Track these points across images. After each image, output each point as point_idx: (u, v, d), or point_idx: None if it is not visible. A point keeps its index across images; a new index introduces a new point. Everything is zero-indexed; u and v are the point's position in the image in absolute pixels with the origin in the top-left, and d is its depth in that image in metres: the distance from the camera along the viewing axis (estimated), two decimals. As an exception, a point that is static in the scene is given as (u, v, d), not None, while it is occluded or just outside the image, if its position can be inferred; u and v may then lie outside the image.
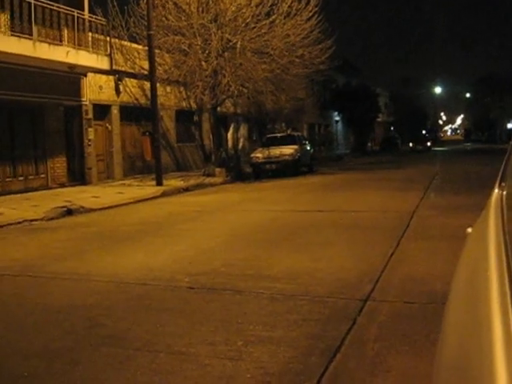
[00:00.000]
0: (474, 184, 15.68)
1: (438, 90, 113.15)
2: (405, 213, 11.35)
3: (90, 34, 20.18)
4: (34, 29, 17.40)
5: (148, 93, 22.52)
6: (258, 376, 3.79)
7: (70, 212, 13.93)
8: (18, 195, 17.63)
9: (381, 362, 3.94)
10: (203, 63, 22.52)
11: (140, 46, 23.25)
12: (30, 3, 17.15)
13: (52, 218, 13.17)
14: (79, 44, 19.50)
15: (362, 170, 28.41)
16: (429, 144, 60.55)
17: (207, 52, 22.56)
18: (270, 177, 24.44)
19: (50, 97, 20.00)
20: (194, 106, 25.91)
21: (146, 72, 22.09)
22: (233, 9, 22.34)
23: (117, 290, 6.31)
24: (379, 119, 63.29)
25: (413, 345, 4.21)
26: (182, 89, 25.98)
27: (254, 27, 22.50)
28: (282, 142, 26.52)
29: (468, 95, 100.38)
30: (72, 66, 19.79)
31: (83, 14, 19.87)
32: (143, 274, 6.90)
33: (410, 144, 60.18)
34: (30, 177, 19.57)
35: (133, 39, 23.04)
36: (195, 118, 27.20)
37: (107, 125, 23.97)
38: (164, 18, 22.37)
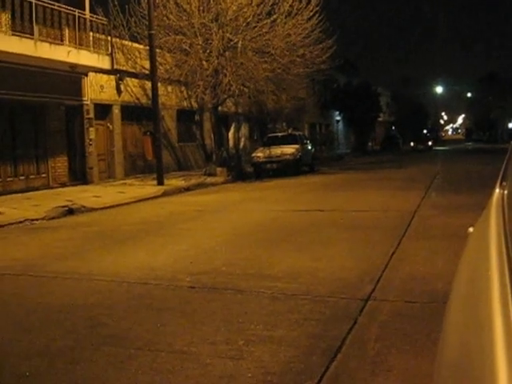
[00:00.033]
0: (475, 183, 15.67)
1: (439, 89, 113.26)
2: (406, 212, 11.35)
3: (91, 33, 20.18)
4: (35, 28, 17.41)
5: (149, 92, 22.53)
6: (259, 375, 3.79)
7: (71, 211, 13.94)
8: (19, 195, 17.64)
9: (382, 361, 3.94)
10: (204, 63, 22.52)
11: (141, 46, 23.24)
12: (30, 3, 17.16)
13: (53, 218, 13.18)
14: (80, 43, 19.50)
15: (363, 169, 28.39)
16: (430, 143, 60.57)
17: (208, 51, 22.56)
18: (271, 176, 24.44)
19: (51, 96, 20.01)
20: (195, 105, 25.92)
21: (147, 71, 22.10)
22: (234, 8, 22.33)
23: (118, 289, 6.31)
24: (380, 119, 63.25)
25: (414, 344, 4.21)
26: (183, 88, 26.00)
27: (255, 27, 22.50)
28: (283, 142, 26.53)
29: (469, 95, 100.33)
30: (73, 66, 19.79)
31: (84, 14, 19.88)
32: (144, 274, 6.90)
33: (411, 143, 60.20)
34: (32, 176, 19.57)
35: (134, 39, 23.03)
36: (196, 117, 27.22)
37: (108, 124, 23.98)
38: (165, 18, 22.37)
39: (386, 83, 74.02)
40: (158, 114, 20.97)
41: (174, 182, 21.18)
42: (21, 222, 12.38)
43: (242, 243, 8.89)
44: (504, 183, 2.47)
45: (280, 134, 29.05)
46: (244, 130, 36.46)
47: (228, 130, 34.59)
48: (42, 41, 17.73)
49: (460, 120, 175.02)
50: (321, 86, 45.01)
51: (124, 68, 23.57)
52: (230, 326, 4.80)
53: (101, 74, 22.65)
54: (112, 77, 23.64)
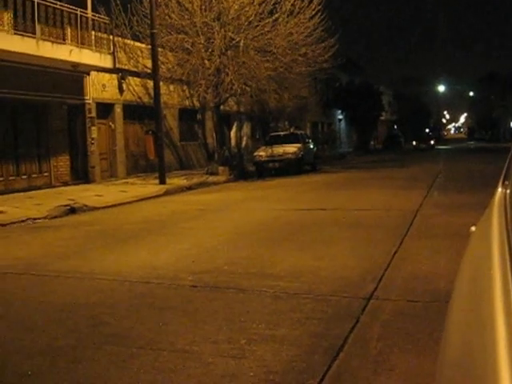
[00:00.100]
0: (477, 182, 15.66)
1: (441, 88, 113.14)
2: (408, 211, 11.34)
3: (93, 32, 20.19)
4: (37, 27, 17.42)
5: (151, 91, 22.55)
6: (261, 374, 3.79)
7: (73, 210, 13.96)
8: (22, 193, 17.66)
9: (384, 360, 3.94)
10: (206, 62, 22.53)
11: (143, 45, 23.25)
12: (33, 2, 17.17)
13: (55, 217, 13.19)
14: (82, 42, 19.51)
15: (365, 168, 28.38)
16: (432, 142, 60.51)
17: (210, 50, 22.57)
18: (273, 175, 24.43)
19: (53, 95, 20.02)
20: (197, 104, 25.92)
21: (149, 70, 22.11)
22: (236, 7, 22.33)
23: (120, 288, 6.31)
24: (382, 117, 63.21)
25: (416, 343, 4.21)
26: (185, 87, 26.00)
27: (257, 25, 22.49)
28: (285, 141, 26.51)
29: (471, 94, 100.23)
30: (75, 65, 19.80)
31: (86, 13, 19.88)
32: (146, 273, 6.91)
33: (413, 142, 60.14)
34: (34, 175, 19.59)
35: (136, 38, 23.04)
36: (198, 116, 27.23)
37: (110, 123, 23.99)
38: (167, 17, 22.37)
39: (386, 83, 73.95)
40: (159, 113, 20.98)
41: (175, 181, 21.18)
42: (23, 221, 12.39)
43: (243, 242, 8.89)
44: (506, 182, 2.47)
45: (282, 133, 29.04)
46: (246, 128, 36.45)
47: (230, 129, 34.58)
48: (44, 40, 17.74)
49: (462, 119, 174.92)
50: (323, 84, 45.00)
51: (126, 67, 23.58)
52: (232, 325, 4.80)
53: (103, 73, 22.66)
54: (114, 76, 23.64)
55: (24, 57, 17.31)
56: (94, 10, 20.40)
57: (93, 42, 20.13)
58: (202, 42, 22.48)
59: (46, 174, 20.14)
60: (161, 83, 21.41)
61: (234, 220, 11.73)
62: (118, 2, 22.50)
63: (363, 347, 4.23)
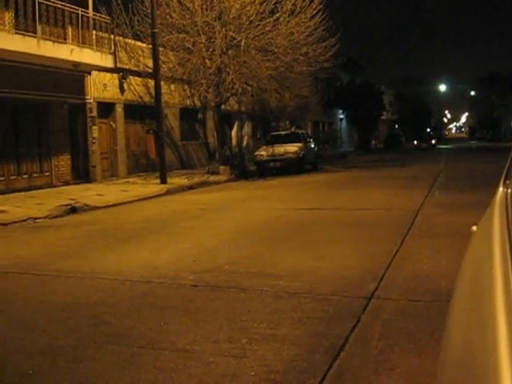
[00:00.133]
0: (478, 182, 15.66)
1: (442, 87, 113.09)
2: (409, 210, 11.34)
3: (94, 32, 20.19)
4: (38, 27, 17.42)
5: (152, 91, 22.54)
6: (262, 374, 3.79)
7: (74, 210, 13.96)
8: (23, 193, 17.67)
9: (385, 360, 3.94)
10: (207, 61, 22.52)
11: (144, 44, 23.26)
12: (34, 1, 17.16)
13: (56, 216, 13.20)
14: (83, 42, 19.51)
15: (366, 167, 28.38)
16: (433, 142, 60.44)
17: (211, 50, 22.56)
18: (274, 175, 24.43)
19: (54, 95, 20.03)
20: (198, 103, 25.93)
21: (150, 70, 22.11)
22: (237, 6, 22.32)
23: (121, 287, 6.32)
24: (383, 117, 63.20)
25: (417, 343, 4.21)
26: (186, 87, 26.01)
27: (258, 25, 22.48)
28: (286, 140, 26.50)
29: (473, 93, 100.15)
30: (76, 64, 19.80)
31: (87, 12, 19.89)
32: (147, 272, 6.91)
33: (415, 142, 60.08)
34: (35, 175, 19.59)
35: (137, 37, 23.04)
36: (199, 115, 27.22)
37: (111, 123, 23.99)
38: (168, 16, 22.36)
39: (387, 83, 73.94)
40: (161, 113, 20.98)
41: (177, 180, 21.19)
42: (24, 221, 12.40)
43: (244, 242, 8.90)
44: (508, 182, 2.46)
45: (283, 133, 29.04)
46: (247, 128, 36.44)
47: (231, 129, 34.58)
48: (45, 39, 17.74)
49: (463, 118, 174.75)
50: (324, 84, 44.95)
51: (127, 66, 23.58)
52: (233, 325, 4.80)
53: (104, 73, 22.66)
54: (115, 75, 23.64)
55: (25, 56, 17.31)
56: (95, 9, 20.40)
57: (94, 41, 20.13)
58: (203, 41, 22.48)
59: (47, 173, 20.15)
60: (162, 82, 21.41)
61: (234, 219, 11.73)
62: (119, 2, 22.49)
63: (364, 347, 4.23)
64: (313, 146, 29.10)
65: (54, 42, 18.11)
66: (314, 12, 23.35)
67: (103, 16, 20.86)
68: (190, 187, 19.95)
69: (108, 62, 20.94)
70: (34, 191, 18.25)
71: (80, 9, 19.30)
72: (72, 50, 18.90)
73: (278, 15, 22.82)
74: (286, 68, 23.68)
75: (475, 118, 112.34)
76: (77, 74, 20.88)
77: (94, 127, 22.20)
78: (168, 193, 18.23)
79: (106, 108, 23.34)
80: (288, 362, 3.98)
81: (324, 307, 5.20)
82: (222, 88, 23.06)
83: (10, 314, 5.56)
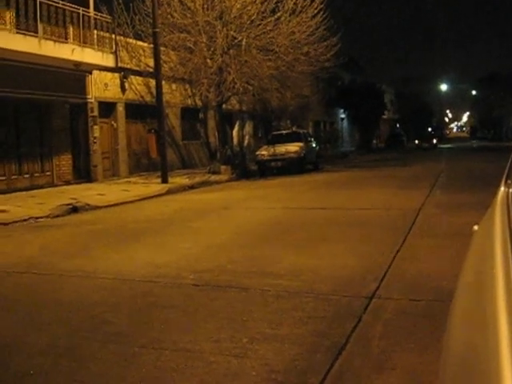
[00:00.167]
0: (479, 182, 15.64)
1: (443, 87, 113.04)
2: (410, 210, 11.33)
3: (95, 31, 20.20)
4: (40, 26, 17.43)
5: (153, 90, 22.55)
6: (263, 373, 3.79)
7: (75, 209, 13.97)
8: (24, 193, 17.68)
9: (386, 359, 3.94)
10: (208, 61, 22.53)
11: (145, 44, 23.28)
12: (35, 1, 17.17)
13: (58, 216, 13.20)
14: (84, 41, 19.52)
15: (368, 167, 28.37)
16: (434, 141, 60.38)
17: (212, 49, 22.57)
18: (275, 174, 24.43)
19: (55, 94, 20.04)
20: (199, 103, 25.93)
21: (151, 69, 22.12)
22: (238, 6, 22.32)
23: (122, 287, 6.32)
24: (385, 116, 63.19)
25: (418, 342, 4.21)
26: (187, 86, 26.01)
27: (260, 24, 22.49)
28: (288, 140, 26.49)
29: (474, 93, 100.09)
30: (77, 64, 19.81)
31: (88, 12, 19.90)
32: (149, 271, 6.91)
33: (416, 141, 60.04)
34: (36, 174, 19.60)
35: (138, 37, 23.05)
36: (200, 115, 27.21)
37: (113, 122, 24.00)
38: (169, 16, 22.37)
39: (388, 82, 73.90)
40: (162, 112, 20.99)
41: (178, 179, 21.19)
42: (25, 220, 12.40)
43: (245, 241, 8.90)
44: (509, 181, 2.46)
45: (284, 132, 29.03)
46: (248, 127, 36.45)
47: (232, 128, 34.59)
48: (47, 39, 17.75)
49: (465, 118, 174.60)
50: (325, 83, 44.95)
51: (128, 66, 23.58)
52: (234, 324, 4.80)
53: (105, 72, 22.66)
54: (116, 75, 23.65)
55: (26, 56, 17.32)
56: (96, 9, 20.42)
57: (95, 41, 20.14)
58: (205, 40, 22.49)
59: (48, 173, 20.16)
60: (163, 82, 21.42)
61: (235, 219, 11.73)
62: (120, 1, 22.51)
63: (365, 346, 4.23)
64: (314, 145, 29.09)
65: (55, 41, 18.12)
66: (315, 11, 23.35)
67: (104, 15, 20.87)
68: (191, 187, 19.96)
69: (109, 61, 20.95)
70: (35, 191, 18.26)
71: (81, 8, 19.30)
72: (73, 50, 18.91)
73: (279, 14, 22.82)
74: (287, 67, 23.69)
75: (476, 117, 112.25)
76: (78, 73, 20.89)
77: (96, 127, 22.21)
78: (169, 192, 18.23)
79: (107, 107, 23.35)
80: (289, 361, 3.98)
81: (325, 306, 5.20)
82: (223, 87, 23.06)
83: (12, 314, 5.56)
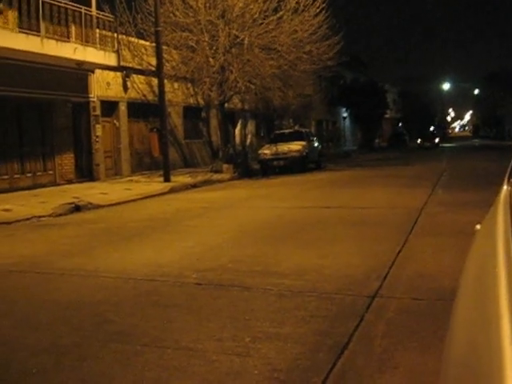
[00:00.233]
0: (482, 180, 15.62)
1: (445, 86, 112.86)
2: (413, 209, 11.32)
3: (97, 30, 20.22)
4: (42, 25, 17.44)
5: (155, 89, 22.57)
6: (266, 372, 3.79)
7: (77, 208, 13.98)
8: (26, 192, 17.70)
9: (388, 358, 3.94)
10: (210, 59, 22.53)
11: (147, 43, 23.28)
12: (37, 0, 17.19)
13: (60, 215, 13.22)
14: (87, 40, 19.54)
15: (370, 166, 28.35)
16: (437, 140, 60.30)
17: (214, 48, 22.56)
18: (277, 173, 24.42)
19: (57, 93, 20.06)
20: (201, 102, 25.95)
21: (153, 68, 22.14)
22: (240, 5, 22.32)
23: (125, 286, 6.32)
24: (387, 115, 63.12)
25: (421, 341, 4.21)
26: (189, 85, 26.01)
27: (262, 23, 22.49)
28: (290, 139, 26.48)
29: (476, 92, 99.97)
30: (79, 63, 19.83)
31: (91, 11, 19.92)
32: (151, 270, 6.91)
33: (418, 140, 59.94)
34: (38, 173, 19.63)
35: (140, 36, 23.07)
36: (203, 114, 27.25)
37: (115, 121, 24.02)
38: (171, 15, 22.38)
39: (391, 80, 73.92)
40: (164, 111, 20.99)
41: (180, 178, 21.19)
42: (28, 219, 12.42)
43: (248, 240, 8.90)
44: (511, 180, 2.46)
45: (287, 131, 29.03)
46: (250, 126, 36.45)
47: (234, 127, 34.60)
48: (49, 38, 17.77)
49: (467, 117, 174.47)
50: (328, 82, 44.96)
51: (130, 65, 23.60)
52: (237, 323, 4.80)
53: (107, 71, 22.68)
54: (118, 74, 23.67)
55: (28, 55, 17.34)
56: (98, 7, 20.44)
57: (97, 39, 20.16)
58: (207, 39, 22.49)
59: (50, 172, 20.18)
60: (165, 81, 21.43)
61: (238, 218, 11.73)
62: (123, 0, 22.52)
63: (368, 345, 4.23)
64: (316, 144, 29.07)
65: (57, 40, 18.14)
66: (318, 10, 23.34)
67: (106, 14, 20.88)
68: (194, 185, 19.96)
69: (111, 60, 20.96)
70: (37, 190, 18.29)
71: (83, 7, 19.32)
72: (75, 49, 18.92)
73: (281, 13, 22.82)
74: (290, 66, 23.68)
75: (479, 116, 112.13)
76: (80, 72, 20.91)
77: (98, 126, 22.23)
78: (171, 191, 18.24)
79: (109, 106, 23.37)
80: (291, 360, 3.98)
81: (328, 306, 5.20)
82: (226, 86, 23.07)
83: (14, 313, 5.57)
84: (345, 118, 57.96)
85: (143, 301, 5.66)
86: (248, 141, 35.33)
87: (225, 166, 24.08)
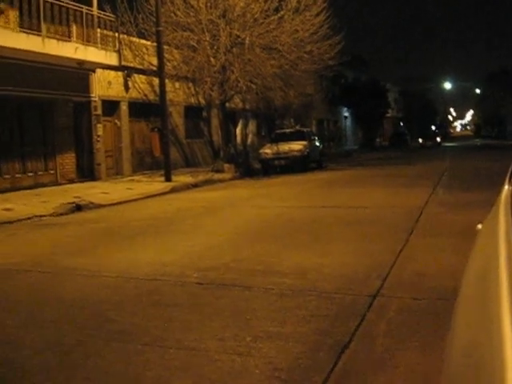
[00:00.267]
0: (483, 180, 15.61)
1: (447, 85, 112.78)
2: (414, 209, 11.32)
3: (98, 30, 20.22)
4: (43, 25, 17.45)
5: (157, 89, 22.56)
6: (267, 371, 3.80)
7: (79, 208, 13.98)
8: (28, 191, 17.71)
9: (390, 357, 3.94)
10: (212, 59, 22.53)
11: (149, 42, 23.28)
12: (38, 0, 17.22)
13: (61, 214, 13.22)
14: (88, 40, 19.54)
15: (371, 165, 28.33)
16: (438, 140, 60.40)
17: (216, 48, 22.57)
18: (278, 173, 24.42)
19: (58, 93, 20.07)
20: (202, 101, 25.94)
21: (154, 68, 22.14)
22: (241, 4, 22.33)
23: (126, 285, 6.33)
24: (388, 115, 63.09)
25: (422, 341, 4.21)
26: (190, 85, 26.02)
27: (263, 23, 22.49)
28: (291, 138, 26.47)
29: (478, 91, 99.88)
30: (81, 62, 19.83)
31: (92, 10, 19.92)
32: (153, 270, 6.92)
33: (420, 140, 59.98)
34: (40, 173, 19.64)
35: (141, 35, 23.07)
36: (204, 113, 27.24)
37: (116, 121, 24.02)
38: (173, 14, 22.39)
39: (392, 80, 73.87)
40: (165, 111, 21.00)
41: (181, 178, 21.19)
42: (29, 219, 12.43)
43: (249, 239, 8.90)
44: (513, 180, 2.46)
45: (288, 131, 29.03)
46: (251, 126, 36.44)
47: (235, 127, 34.59)
48: (50, 37, 17.77)
49: (469, 116, 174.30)
50: (329, 81, 44.93)
51: (132, 64, 23.61)
52: (238, 322, 4.81)
53: (108, 71, 22.68)
54: (120, 73, 23.67)
55: (30, 54, 17.34)
56: (99, 7, 20.44)
57: (98, 39, 20.16)
58: (208, 39, 22.49)
59: (51, 171, 20.19)
60: (166, 80, 21.43)
61: (239, 217, 11.74)
62: (124, 0, 22.52)
63: (369, 344, 4.24)
64: (317, 144, 29.06)
65: (58, 40, 18.15)
66: (319, 10, 23.35)
67: (108, 14, 20.89)
68: (195, 185, 19.96)
69: (112, 60, 20.96)
70: (39, 189, 18.29)
71: (84, 7, 19.33)
72: (76, 48, 18.93)
73: (282, 13, 22.82)
74: (291, 66, 23.69)
75: (480, 115, 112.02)
76: (81, 71, 20.92)
77: (99, 125, 22.23)
78: (173, 191, 18.25)
79: (110, 106, 23.37)
80: (293, 359, 3.98)
81: (328, 305, 5.20)
82: (227, 86, 23.07)
83: (17, 312, 5.58)
84: (346, 117, 57.95)
85: (145, 300, 5.67)
86: (249, 140, 35.32)
87: (226, 165, 24.08)
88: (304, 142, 26.02)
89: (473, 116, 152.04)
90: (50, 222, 12.20)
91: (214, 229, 10.28)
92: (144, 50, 23.86)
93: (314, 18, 23.30)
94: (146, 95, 25.56)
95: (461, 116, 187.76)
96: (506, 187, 2.47)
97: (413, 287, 5.69)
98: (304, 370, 3.80)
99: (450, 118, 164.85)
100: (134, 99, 24.89)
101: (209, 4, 22.37)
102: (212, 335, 4.52)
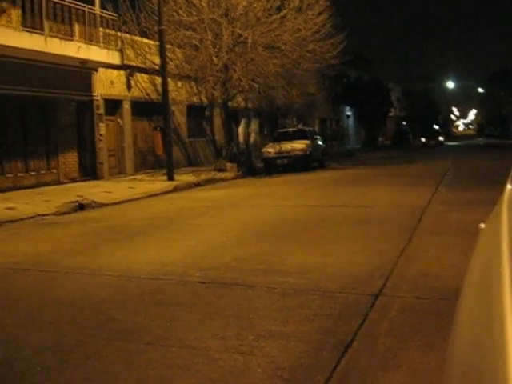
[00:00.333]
0: (486, 179, 15.59)
1: (450, 84, 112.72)
2: (417, 208, 11.30)
3: (101, 29, 20.25)
4: (46, 24, 17.48)
5: (159, 88, 22.58)
6: (269, 371, 3.79)
7: (81, 207, 14.00)
8: (30, 190, 17.73)
9: (392, 357, 3.94)
10: (214, 58, 22.54)
11: (151, 41, 23.30)
12: (41, -2, 17.24)
13: (64, 213, 13.24)
14: (90, 39, 19.57)
15: (374, 165, 28.31)
16: (441, 139, 60.25)
17: (218, 47, 22.57)
18: (281, 172, 24.42)
19: (61, 92, 20.09)
20: (205, 100, 25.93)
21: (157, 67, 22.14)
22: (244, 3, 22.32)
23: (128, 284, 6.33)
24: (391, 114, 63.05)
25: (424, 340, 4.20)
26: (193, 84, 26.02)
27: (265, 22, 22.49)
28: (294, 137, 26.46)
29: (481, 90, 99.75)
30: (83, 61, 19.86)
31: (94, 10, 19.94)
32: (155, 269, 6.92)
33: (422, 139, 59.88)
34: (42, 172, 19.67)
35: (144, 34, 23.09)
36: (206, 112, 27.23)
37: (118, 120, 24.04)
38: (175, 13, 22.39)
39: (394, 79, 73.86)
40: (168, 110, 21.01)
41: (184, 177, 21.21)
42: (32, 218, 12.45)
43: (251, 239, 8.90)
44: (516, 179, 2.45)
45: (290, 130, 29.03)
46: (254, 125, 36.43)
47: (238, 126, 34.58)
48: (52, 36, 17.80)
49: (471, 115, 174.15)
50: (331, 81, 44.90)
51: (134, 63, 23.62)
52: (240, 322, 4.81)
53: (111, 70, 22.70)
54: (122, 72, 23.69)
55: (32, 53, 17.36)
56: (101, 6, 20.47)
57: (101, 38, 20.19)
58: (210, 38, 22.49)
59: (54, 170, 20.22)
60: (169, 80, 21.43)
61: (241, 216, 11.73)
62: (126, -1, 22.55)
63: (371, 344, 4.23)
64: (320, 143, 29.04)
65: (61, 39, 18.17)
66: (321, 9, 23.34)
67: (110, 13, 20.91)
68: (197, 184, 19.97)
69: (115, 59, 20.99)
70: (41, 188, 18.32)
71: (87, 6, 19.36)
72: (79, 47, 18.95)
73: (284, 12, 22.82)
74: (293, 65, 23.70)
75: (483, 115, 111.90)
76: (84, 70, 20.93)
77: (101, 124, 22.25)
78: (175, 190, 18.25)
79: (113, 105, 23.39)
80: (295, 358, 3.98)
81: (331, 304, 5.19)
82: (229, 85, 23.07)
83: (18, 311, 5.58)
84: (348, 116, 57.93)
85: (147, 299, 5.67)
86: (251, 139, 35.32)
87: (228, 164, 24.09)
88: (306, 141, 26.01)
89: (476, 115, 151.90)
90: (52, 221, 12.21)
91: (217, 228, 10.28)
92: (146, 49, 23.87)
93: (316, 16, 23.30)
94: (148, 94, 25.56)
95: (463, 115, 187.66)
96: (509, 186, 2.47)
97: (416, 286, 5.68)
98: (306, 369, 3.79)
99: (453, 117, 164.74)
100: (137, 98, 24.91)
101: (211, 3, 22.37)
102: (214, 334, 4.52)
